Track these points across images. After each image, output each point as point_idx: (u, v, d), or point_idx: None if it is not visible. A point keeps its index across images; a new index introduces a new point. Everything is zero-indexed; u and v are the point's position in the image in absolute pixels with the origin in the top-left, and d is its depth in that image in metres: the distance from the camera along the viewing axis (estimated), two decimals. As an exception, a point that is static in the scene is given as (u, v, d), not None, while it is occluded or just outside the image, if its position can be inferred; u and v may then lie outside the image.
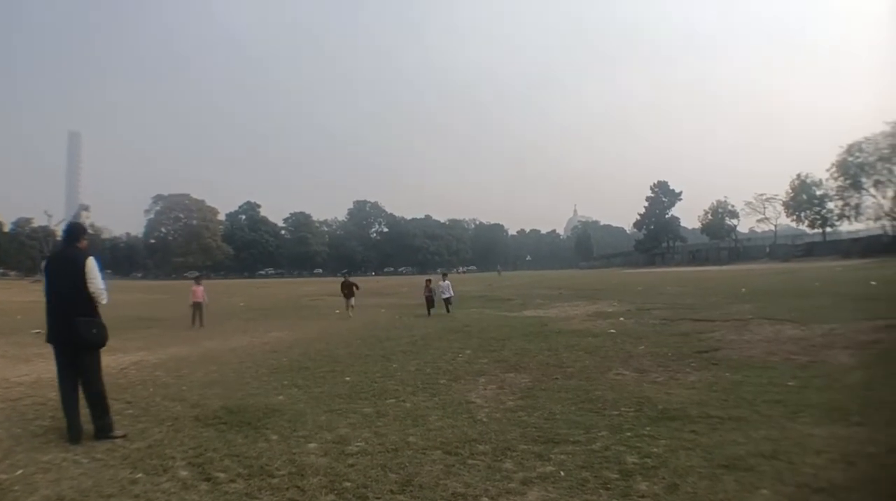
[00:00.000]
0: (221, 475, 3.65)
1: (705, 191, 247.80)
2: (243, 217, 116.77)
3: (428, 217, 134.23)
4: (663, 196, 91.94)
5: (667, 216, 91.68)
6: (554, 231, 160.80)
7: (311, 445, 4.21)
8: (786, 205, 72.98)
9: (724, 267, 51.70)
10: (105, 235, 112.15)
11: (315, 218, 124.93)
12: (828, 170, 62.94)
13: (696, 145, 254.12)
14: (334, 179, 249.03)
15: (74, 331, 4.42)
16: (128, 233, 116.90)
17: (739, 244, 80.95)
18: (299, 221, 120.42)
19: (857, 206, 61.62)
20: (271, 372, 7.43)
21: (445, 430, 4.50)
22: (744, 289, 19.02)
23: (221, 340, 11.48)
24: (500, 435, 4.31)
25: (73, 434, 4.44)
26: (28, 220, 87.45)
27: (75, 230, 4.92)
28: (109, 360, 7.74)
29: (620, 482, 3.34)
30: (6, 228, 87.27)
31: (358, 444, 4.20)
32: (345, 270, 27.36)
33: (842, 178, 61.06)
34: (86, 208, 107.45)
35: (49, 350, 4.71)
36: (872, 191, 58.82)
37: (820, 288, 17.32)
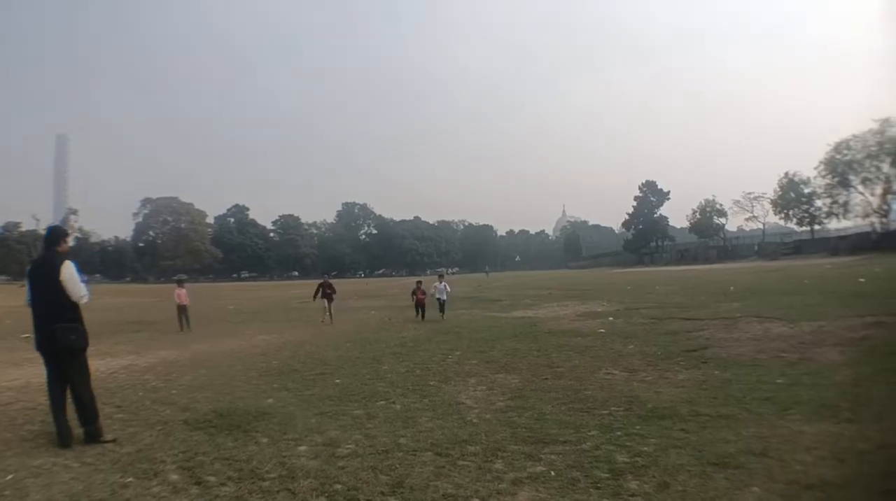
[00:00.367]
0: (212, 478, 3.63)
1: (693, 191, 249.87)
2: (232, 220, 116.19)
3: (417, 218, 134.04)
4: (651, 195, 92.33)
5: (655, 215, 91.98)
6: (543, 231, 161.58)
7: (302, 448, 4.20)
8: (774, 203, 73.14)
9: (713, 266, 52.05)
10: (94, 239, 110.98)
11: (304, 220, 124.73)
12: (816, 168, 63.23)
13: (684, 145, 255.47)
14: (323, 182, 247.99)
15: (53, 338, 4.42)
16: (116, 237, 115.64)
17: (728, 242, 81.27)
18: (288, 224, 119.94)
19: (846, 204, 61.89)
20: (261, 375, 7.39)
21: (436, 431, 4.50)
22: (732, 288, 19.15)
23: (211, 343, 11.38)
24: (491, 436, 4.31)
25: (63, 439, 4.42)
26: (16, 224, 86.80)
27: (55, 234, 4.88)
28: (99, 364, 7.67)
29: (611, 481, 3.36)
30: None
31: (348, 446, 4.19)
32: (328, 271, 26.79)
33: (830, 176, 61.28)
34: (74, 212, 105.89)
35: (38, 354, 4.69)
36: (860, 188, 59.17)
37: (808, 286, 17.48)
